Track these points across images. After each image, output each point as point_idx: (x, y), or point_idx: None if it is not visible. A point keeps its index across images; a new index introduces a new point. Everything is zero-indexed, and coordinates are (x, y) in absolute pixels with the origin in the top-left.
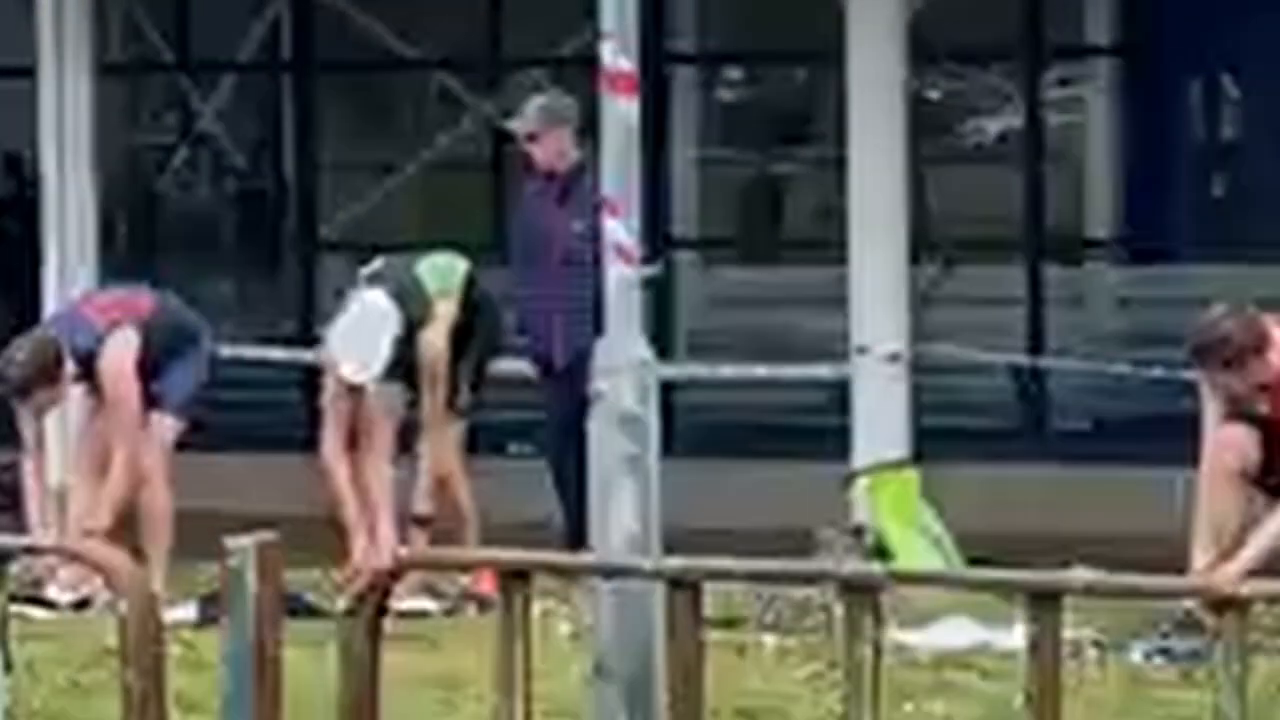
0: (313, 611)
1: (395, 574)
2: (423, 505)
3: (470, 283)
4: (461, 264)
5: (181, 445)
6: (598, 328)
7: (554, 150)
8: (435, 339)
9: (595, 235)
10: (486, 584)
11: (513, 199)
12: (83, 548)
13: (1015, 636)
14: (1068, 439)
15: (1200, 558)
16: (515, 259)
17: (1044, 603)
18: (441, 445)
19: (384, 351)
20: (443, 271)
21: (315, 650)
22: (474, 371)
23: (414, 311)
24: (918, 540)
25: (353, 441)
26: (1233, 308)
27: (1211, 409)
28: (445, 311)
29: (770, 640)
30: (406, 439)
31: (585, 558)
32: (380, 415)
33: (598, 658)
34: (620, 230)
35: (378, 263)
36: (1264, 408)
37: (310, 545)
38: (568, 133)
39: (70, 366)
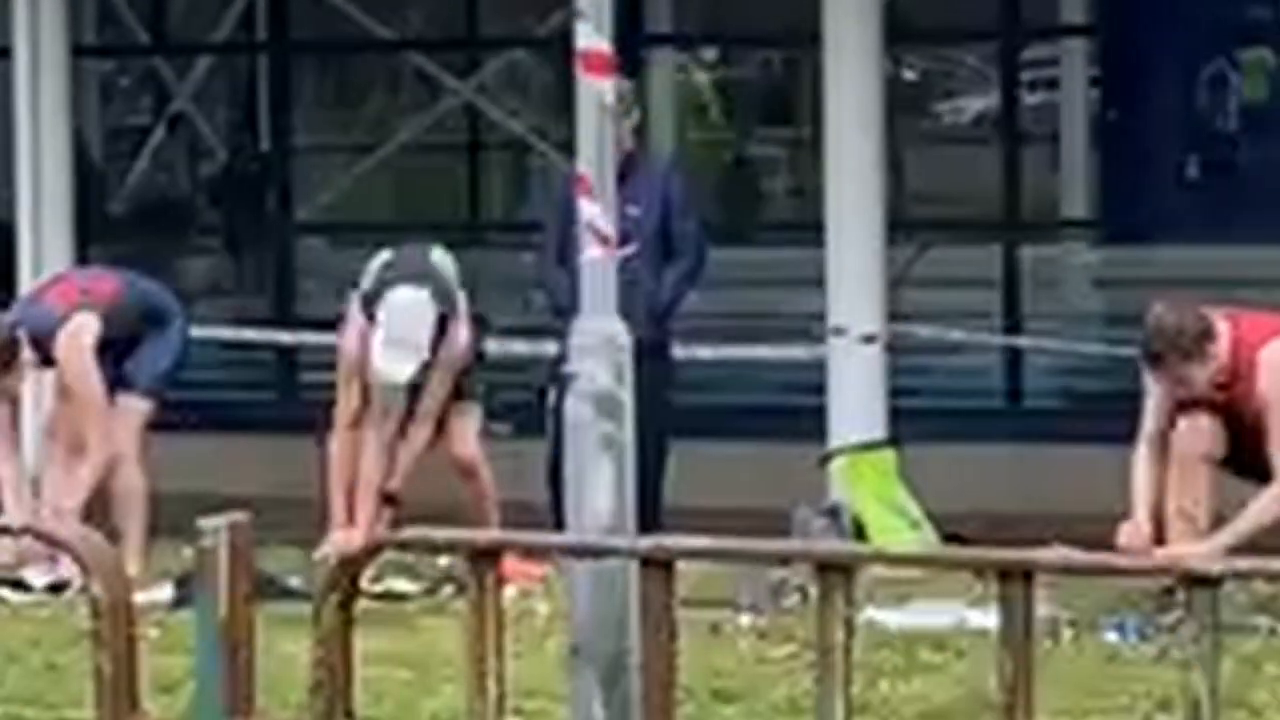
0: (286, 592)
1: (370, 553)
2: (395, 483)
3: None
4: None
5: (157, 426)
6: (655, 315)
7: (625, 130)
8: (460, 334)
9: (650, 222)
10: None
11: (489, 180)
12: (55, 529)
13: (990, 616)
14: (1043, 418)
15: (1175, 544)
16: (555, 240)
17: (1017, 581)
18: (465, 433)
19: (425, 348)
20: (450, 262)
21: (288, 631)
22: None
23: (446, 305)
24: (894, 520)
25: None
26: (1169, 302)
27: (1154, 405)
28: (464, 304)
29: (746, 620)
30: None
31: (559, 537)
32: (388, 411)
33: (573, 638)
34: (595, 212)
35: (386, 254)
36: (1222, 395)
37: (284, 526)
38: (636, 118)
39: (28, 353)
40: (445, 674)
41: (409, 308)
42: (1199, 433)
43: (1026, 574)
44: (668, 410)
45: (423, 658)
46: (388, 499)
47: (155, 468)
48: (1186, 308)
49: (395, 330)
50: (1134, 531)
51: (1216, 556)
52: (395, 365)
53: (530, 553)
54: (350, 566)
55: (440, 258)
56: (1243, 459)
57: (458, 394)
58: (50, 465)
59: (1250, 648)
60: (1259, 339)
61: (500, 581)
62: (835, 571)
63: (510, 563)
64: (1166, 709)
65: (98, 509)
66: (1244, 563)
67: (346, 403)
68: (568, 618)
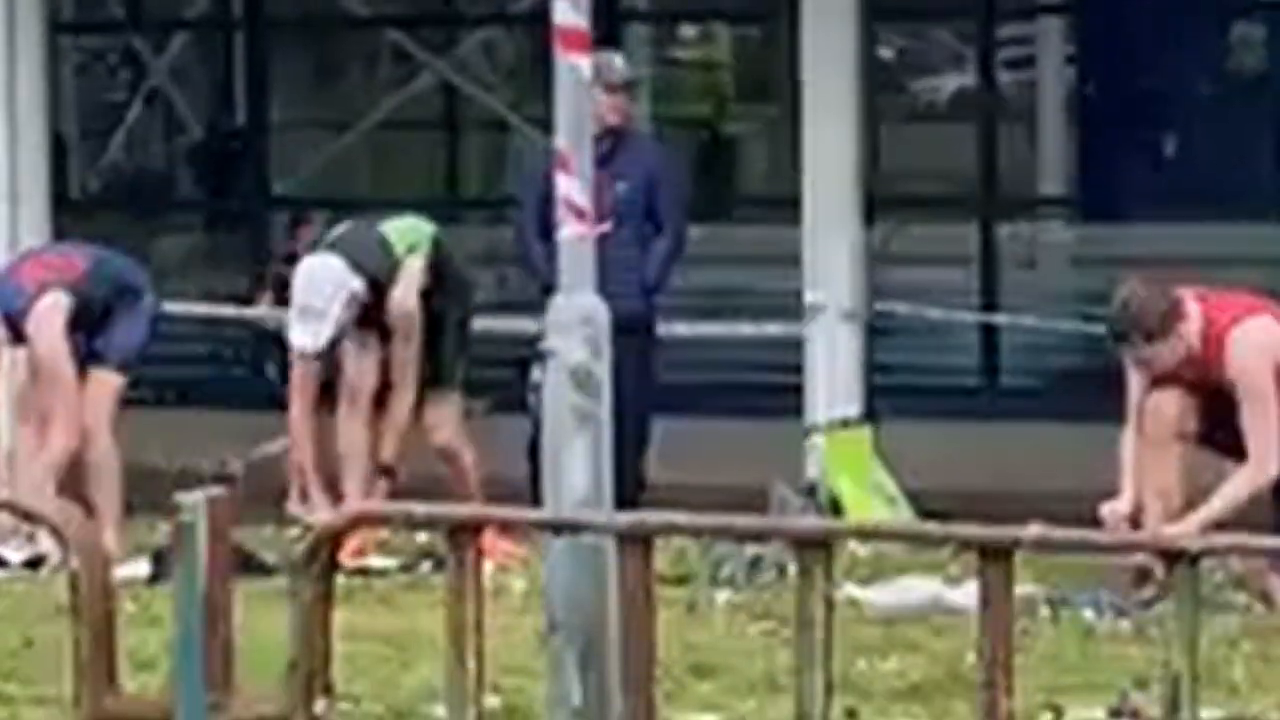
0: (260, 568)
1: (350, 526)
2: (388, 454)
3: (437, 246)
4: (427, 227)
5: (133, 402)
6: (640, 292)
7: (613, 107)
8: (404, 297)
9: (636, 199)
10: (491, 546)
11: (466, 157)
12: (33, 504)
13: (968, 594)
14: (1020, 396)
15: (1151, 523)
16: (535, 216)
17: (996, 558)
18: (441, 419)
19: (334, 316)
20: (409, 230)
21: (263, 606)
22: (458, 340)
23: (378, 271)
24: (871, 497)
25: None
26: (1138, 282)
27: (1136, 383)
28: (414, 268)
29: (723, 597)
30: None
31: (539, 513)
32: (357, 376)
33: (550, 615)
34: (573, 187)
35: (342, 227)
36: (1194, 374)
37: (259, 502)
38: (627, 97)
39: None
40: (422, 650)
41: (310, 276)
42: (1168, 410)
43: (1007, 551)
44: (651, 387)
45: (400, 634)
46: (385, 471)
47: (130, 443)
48: (1154, 287)
49: (299, 298)
50: (1111, 512)
51: (1193, 534)
52: (299, 334)
53: (508, 529)
54: (330, 540)
55: (395, 226)
56: (1218, 437)
57: (435, 379)
58: (21, 442)
59: (1228, 625)
60: (1230, 318)
61: (480, 557)
62: (815, 548)
63: (490, 539)
64: (1144, 685)
65: (70, 484)
66: (1223, 539)
67: (302, 390)
68: (544, 594)
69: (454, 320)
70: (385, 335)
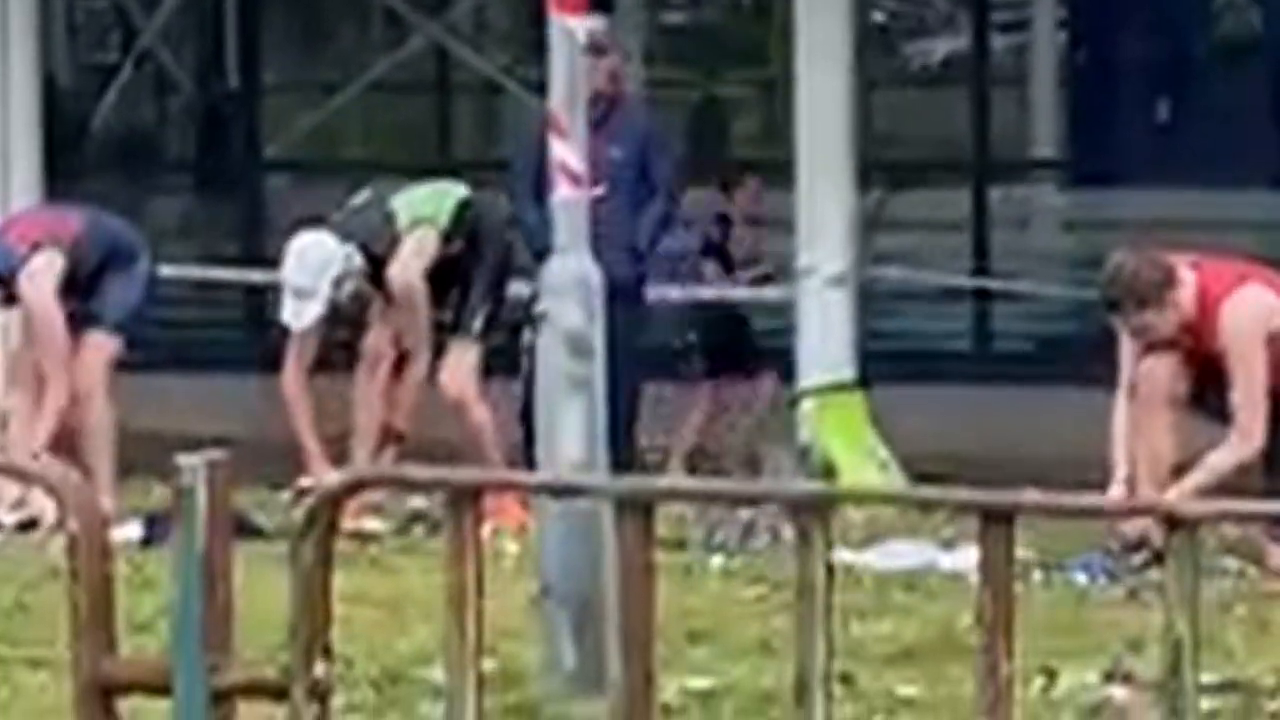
0: (255, 532)
1: (351, 490)
2: (401, 421)
3: (464, 208)
4: (453, 192)
5: (126, 365)
6: (633, 257)
7: (607, 73)
8: (400, 270)
9: (630, 164)
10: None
11: (458, 120)
12: (30, 464)
13: (960, 558)
14: (1012, 361)
15: (1143, 488)
16: (529, 180)
17: (998, 523)
18: (456, 369)
19: (323, 295)
20: (421, 202)
21: (259, 571)
22: (487, 296)
23: (376, 245)
24: (863, 461)
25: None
26: (1133, 249)
27: (1129, 350)
28: (420, 241)
29: (717, 562)
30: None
31: (539, 476)
32: (378, 345)
33: (544, 579)
34: (567, 151)
35: (358, 198)
36: (1188, 341)
37: (253, 466)
38: (619, 60)
39: None
40: (416, 614)
41: (301, 255)
42: (1161, 376)
43: (1008, 516)
44: (642, 352)
45: (393, 598)
46: (396, 437)
47: (124, 407)
48: (1147, 255)
49: (289, 277)
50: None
51: (1194, 496)
52: (287, 311)
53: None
54: (331, 503)
55: (409, 198)
56: (1210, 403)
57: (454, 328)
58: (18, 403)
59: (1220, 590)
60: (1224, 286)
61: (479, 520)
62: (814, 512)
63: (504, 502)
64: (1137, 649)
65: (65, 448)
66: (1225, 504)
67: (298, 357)
68: (538, 559)
69: (483, 274)
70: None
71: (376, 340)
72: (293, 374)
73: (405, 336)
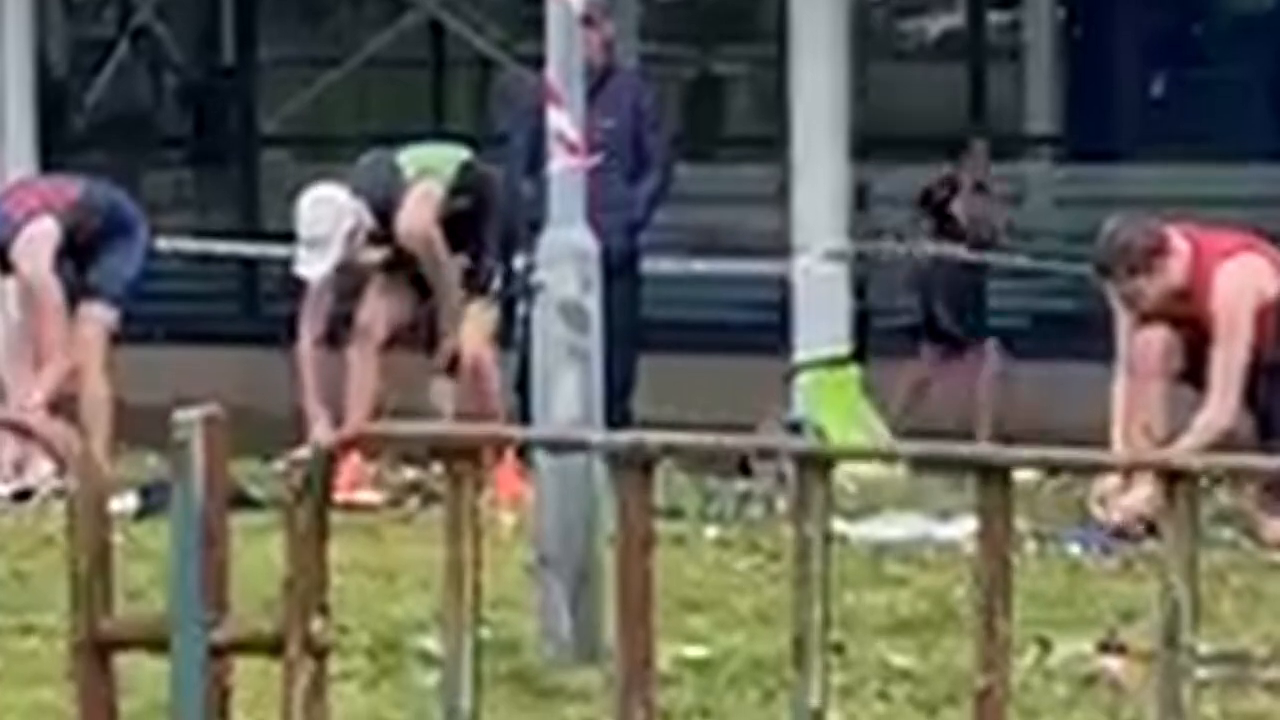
0: (249, 502)
1: (346, 447)
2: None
3: (467, 168)
4: (455, 153)
5: (120, 338)
6: (628, 228)
7: (598, 43)
8: (409, 217)
9: (623, 135)
10: (502, 486)
11: (454, 95)
12: (33, 421)
13: (956, 529)
14: (1007, 336)
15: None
16: (523, 151)
17: (994, 478)
18: (473, 329)
19: (337, 246)
20: (427, 157)
21: (253, 540)
22: (499, 256)
23: (384, 197)
24: (857, 435)
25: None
26: (1127, 217)
27: (1124, 322)
28: (425, 189)
29: (712, 532)
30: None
31: (538, 432)
32: (369, 319)
33: (540, 548)
34: (564, 122)
35: (372, 153)
36: (1182, 310)
37: (248, 437)
38: (610, 32)
39: None
40: (410, 583)
41: (309, 207)
42: (1155, 346)
43: (1005, 471)
44: (637, 325)
45: (388, 568)
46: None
47: (118, 379)
48: (1140, 224)
49: (302, 230)
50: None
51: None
52: (302, 264)
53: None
54: (328, 459)
55: (414, 154)
56: (1205, 374)
57: (468, 289)
58: (15, 370)
59: (1215, 559)
60: (1217, 254)
61: (479, 484)
62: (814, 468)
63: (507, 474)
64: (1132, 620)
65: (61, 418)
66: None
67: (312, 322)
68: (534, 526)
69: (492, 234)
70: (415, 280)
71: (368, 315)
72: (305, 341)
73: (436, 294)
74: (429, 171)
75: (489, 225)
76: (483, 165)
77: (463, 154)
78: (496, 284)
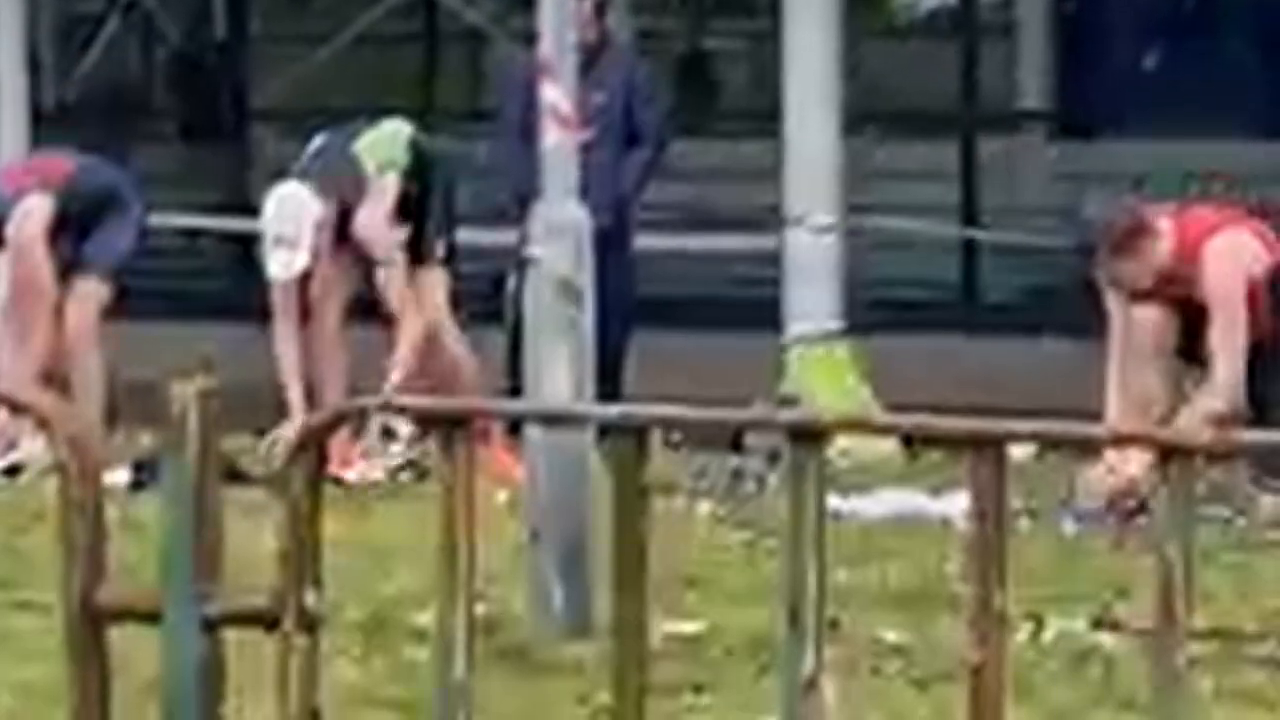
0: (240, 477)
1: (334, 421)
2: (396, 377)
3: (413, 149)
4: (403, 130)
5: (112, 313)
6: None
7: (590, 18)
8: (367, 220)
9: (614, 110)
10: (494, 463)
11: (446, 70)
12: (22, 393)
13: (949, 504)
14: (999, 311)
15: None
16: (516, 125)
17: (988, 452)
18: (426, 300)
19: (306, 243)
20: (384, 145)
21: (244, 516)
22: (442, 225)
23: (347, 194)
24: (850, 411)
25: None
26: (1105, 198)
27: (1115, 302)
28: (385, 187)
29: (704, 508)
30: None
31: (529, 404)
32: (326, 294)
33: (532, 524)
34: (557, 95)
35: (319, 140)
36: (1172, 291)
37: (238, 413)
38: (602, 5)
39: None
40: (403, 560)
41: (277, 205)
42: (1148, 325)
43: (998, 443)
44: (629, 300)
45: (380, 544)
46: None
47: (109, 354)
48: (1117, 203)
49: (271, 228)
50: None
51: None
52: (273, 263)
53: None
54: (316, 436)
55: (368, 143)
56: (1198, 351)
57: (416, 259)
58: (5, 346)
59: (1208, 538)
60: (1202, 231)
61: (471, 458)
62: (808, 440)
63: (495, 450)
64: (1125, 596)
65: (55, 392)
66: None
67: (284, 312)
68: (525, 500)
69: (434, 203)
70: (359, 253)
71: (322, 288)
72: (280, 326)
73: (389, 294)
74: (389, 165)
75: (430, 196)
76: (423, 137)
77: (406, 130)
78: (440, 250)
